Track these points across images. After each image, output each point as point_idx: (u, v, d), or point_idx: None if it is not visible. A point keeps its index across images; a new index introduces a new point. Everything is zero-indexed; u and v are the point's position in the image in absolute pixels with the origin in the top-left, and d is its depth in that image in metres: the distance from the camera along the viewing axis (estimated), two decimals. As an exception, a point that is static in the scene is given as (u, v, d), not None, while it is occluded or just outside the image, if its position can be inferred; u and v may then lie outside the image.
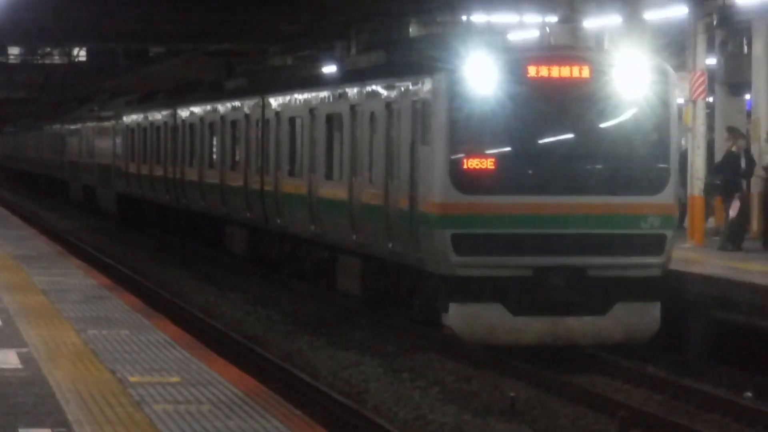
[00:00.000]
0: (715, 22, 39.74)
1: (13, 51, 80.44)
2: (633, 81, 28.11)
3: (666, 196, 28.31)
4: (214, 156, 50.73)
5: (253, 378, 21.79)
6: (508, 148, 28.22)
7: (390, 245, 30.88)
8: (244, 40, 62.22)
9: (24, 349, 22.84)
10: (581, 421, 24.21)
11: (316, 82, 41.78)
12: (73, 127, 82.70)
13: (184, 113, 55.52)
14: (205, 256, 52.44)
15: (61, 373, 20.64)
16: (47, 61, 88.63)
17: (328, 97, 37.48)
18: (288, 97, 41.72)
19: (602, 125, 28.47)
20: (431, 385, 26.94)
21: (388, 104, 31.67)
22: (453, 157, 27.94)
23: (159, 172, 59.23)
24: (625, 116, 28.51)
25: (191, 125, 54.20)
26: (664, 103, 28.41)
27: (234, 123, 47.87)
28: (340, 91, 36.35)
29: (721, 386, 26.69)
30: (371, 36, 53.05)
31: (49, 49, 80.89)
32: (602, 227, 27.89)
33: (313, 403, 24.27)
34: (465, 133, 28.11)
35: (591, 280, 27.60)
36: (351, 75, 37.58)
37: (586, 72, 28.01)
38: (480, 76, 27.79)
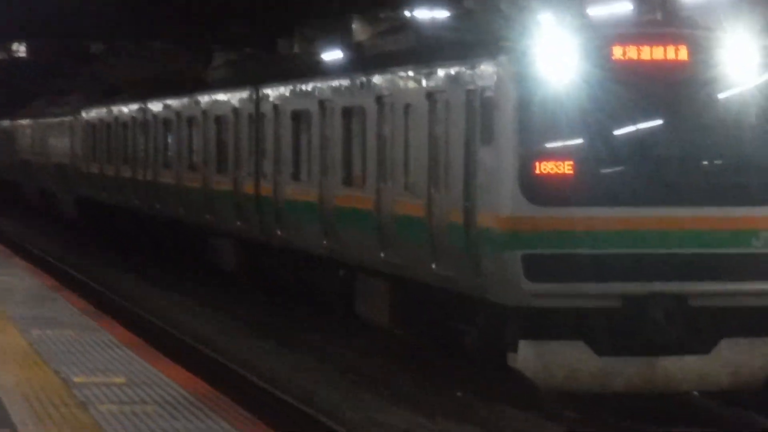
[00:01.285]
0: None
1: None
2: (742, 64, 21.79)
3: None
4: (195, 156, 43.97)
5: (200, 379, 21.87)
6: (591, 149, 21.80)
7: (433, 266, 24.73)
8: (187, 37, 62.23)
9: (-30, 352, 22.88)
10: (530, 423, 22.73)
11: (327, 70, 34.89)
12: (24, 123, 78.51)
13: (156, 107, 49.09)
14: (157, 258, 50.71)
15: (5, 374, 20.69)
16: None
17: (345, 87, 30.97)
18: (290, 88, 35.19)
19: (707, 120, 22.12)
20: (383, 387, 25.92)
21: (431, 94, 25.36)
22: (524, 160, 21.50)
23: (127, 173, 52.60)
24: (734, 108, 22.11)
25: (165, 121, 47.60)
26: None
27: (219, 118, 41.21)
28: (361, 79, 29.83)
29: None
30: (313, 33, 52.82)
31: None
32: (708, 246, 21.42)
33: (261, 405, 24.07)
34: (538, 129, 21.65)
35: (694, 312, 21.16)
36: (374, 60, 30.99)
37: (683, 53, 21.77)
38: (556, 58, 21.43)
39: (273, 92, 36.10)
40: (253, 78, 38.93)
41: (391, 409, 24.27)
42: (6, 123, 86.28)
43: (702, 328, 21.28)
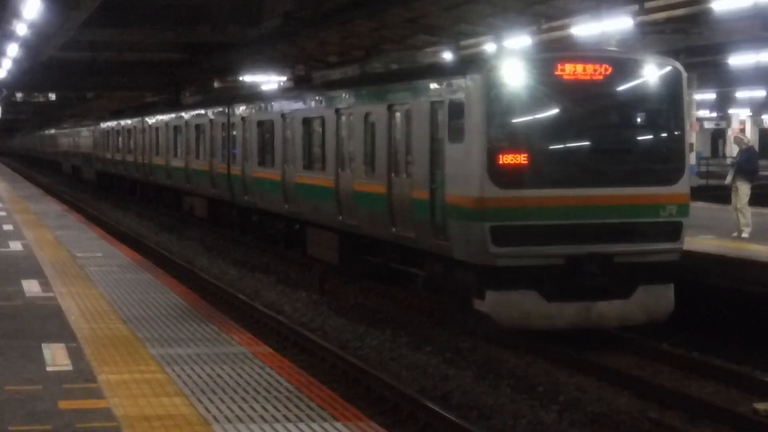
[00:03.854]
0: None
1: (19, 95, 78.83)
2: (650, 79, 16.05)
3: (681, 187, 15.97)
4: (179, 148, 34.67)
5: (138, 254, 21.63)
6: (540, 144, 15.67)
7: (393, 230, 17.96)
8: (131, 90, 60.97)
9: (24, 241, 22.54)
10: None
11: (283, 94, 26.30)
12: (63, 131, 72.30)
13: (150, 120, 39.65)
14: (120, 196, 47.08)
15: (43, 252, 20.46)
16: (35, 100, 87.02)
17: (306, 103, 22.97)
18: (256, 106, 26.66)
19: (624, 121, 16.31)
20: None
21: (391, 106, 18.36)
22: (490, 153, 15.32)
23: (130, 158, 43.46)
24: (644, 113, 16.47)
25: (157, 128, 38.35)
26: (678, 100, 16.30)
27: (198, 126, 32.20)
28: (321, 97, 21.99)
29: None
30: (195, 86, 51.30)
31: (36, 94, 79.64)
32: (626, 217, 15.64)
33: (167, 266, 23.66)
34: (501, 130, 15.56)
35: (617, 266, 15.49)
36: (328, 85, 22.72)
37: (609, 71, 15.88)
38: (513, 76, 15.55)
39: (242, 109, 27.62)
40: (224, 100, 30.46)
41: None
42: (52, 131, 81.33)
43: (624, 278, 15.49)
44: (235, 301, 19.02)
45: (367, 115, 19.25)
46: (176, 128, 35.09)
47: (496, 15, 25.66)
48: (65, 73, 51.19)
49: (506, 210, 15.33)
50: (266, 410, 9.03)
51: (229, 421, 8.72)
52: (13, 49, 38.58)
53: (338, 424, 8.63)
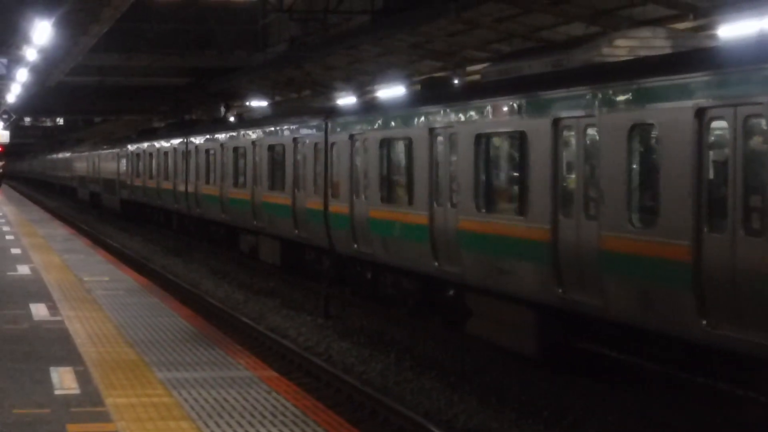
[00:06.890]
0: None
1: (27, 119, 79.14)
2: None
3: None
4: (242, 175, 27.14)
5: (144, 277, 21.62)
6: None
7: (702, 322, 10.19)
8: (137, 114, 61.18)
9: (32, 265, 22.52)
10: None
11: (439, 99, 16.60)
12: (81, 153, 62.98)
13: (198, 140, 31.88)
14: (123, 220, 46.37)
15: (51, 276, 20.47)
16: (43, 124, 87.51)
17: (478, 112, 14.92)
18: (378, 118, 18.67)
19: None
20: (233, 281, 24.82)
21: (701, 111, 10.20)
22: None
23: (167, 185, 35.93)
24: None
25: (207, 150, 30.66)
26: None
27: (272, 147, 24.70)
28: (515, 101, 13.86)
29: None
30: (205, 110, 51.11)
31: (44, 118, 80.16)
32: None
33: (173, 289, 23.71)
34: None
35: None
36: (528, 84, 13.94)
37: None
38: None
39: (348, 124, 20.08)
40: (320, 113, 22.27)
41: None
42: (67, 154, 72.59)
43: None
44: (241, 325, 18.97)
45: (633, 128, 11.51)
46: (236, 150, 27.71)
47: (500, 41, 25.75)
48: (73, 97, 51.43)
49: None
50: (272, 434, 9.01)
51: (235, 445, 8.71)
52: (22, 74, 38.80)
53: (344, 449, 8.61)
